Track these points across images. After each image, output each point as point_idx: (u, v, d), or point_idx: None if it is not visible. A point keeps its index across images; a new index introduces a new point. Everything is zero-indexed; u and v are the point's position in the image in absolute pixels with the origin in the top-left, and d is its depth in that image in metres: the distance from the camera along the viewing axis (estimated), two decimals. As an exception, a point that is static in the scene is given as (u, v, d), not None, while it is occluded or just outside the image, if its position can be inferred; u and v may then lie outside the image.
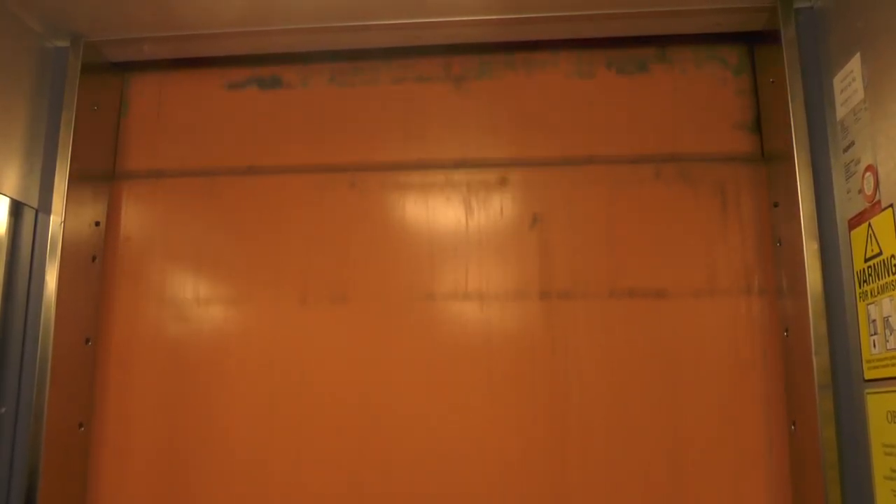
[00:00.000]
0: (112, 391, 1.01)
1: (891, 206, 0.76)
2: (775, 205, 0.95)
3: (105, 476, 0.99)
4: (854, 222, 0.84)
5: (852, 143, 0.85)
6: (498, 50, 1.05)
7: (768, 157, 0.97)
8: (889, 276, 0.77)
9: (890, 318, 0.77)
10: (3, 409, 0.94)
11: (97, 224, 1.03)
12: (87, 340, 1.00)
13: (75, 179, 0.98)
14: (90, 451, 0.99)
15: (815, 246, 0.86)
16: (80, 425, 0.98)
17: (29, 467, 0.91)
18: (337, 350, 0.99)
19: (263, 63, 1.08)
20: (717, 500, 0.91)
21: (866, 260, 0.81)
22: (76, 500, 0.97)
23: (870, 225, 0.80)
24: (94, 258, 1.02)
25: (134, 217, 1.06)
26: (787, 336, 0.91)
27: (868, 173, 0.81)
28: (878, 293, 0.79)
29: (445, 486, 0.95)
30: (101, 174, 1.05)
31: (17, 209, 0.98)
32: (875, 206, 0.79)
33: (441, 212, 1.02)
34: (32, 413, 0.92)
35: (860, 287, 0.83)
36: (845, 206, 0.86)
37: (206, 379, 1.00)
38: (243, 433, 0.98)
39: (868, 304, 0.81)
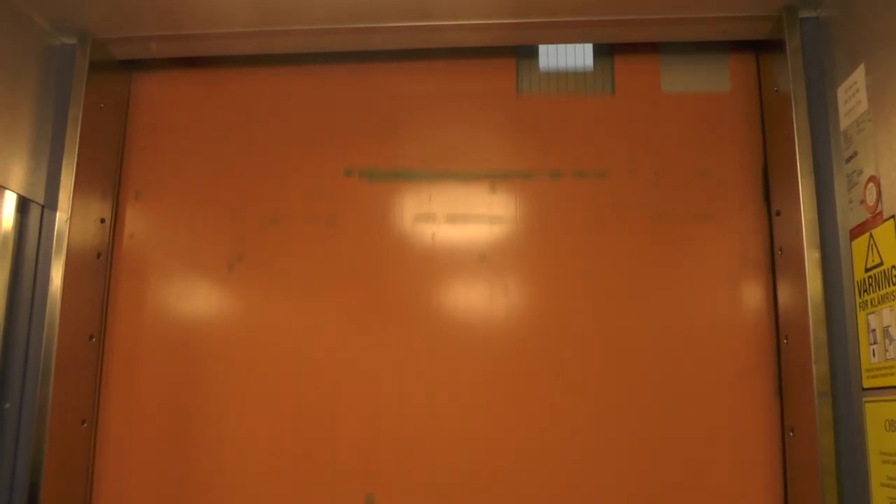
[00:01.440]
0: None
1: (892, 217, 0.77)
2: (777, 213, 0.95)
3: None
4: (855, 232, 0.85)
5: (855, 154, 0.85)
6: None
7: (771, 164, 0.98)
8: (889, 286, 0.77)
9: (889, 328, 0.77)
10: (8, 405, 0.95)
11: (102, 221, 1.04)
12: (91, 337, 1.01)
13: (81, 176, 0.99)
14: (93, 447, 1.00)
15: (816, 255, 0.86)
16: (83, 422, 0.99)
17: (32, 463, 0.91)
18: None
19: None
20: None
21: (867, 270, 0.82)
22: (79, 496, 0.97)
23: (871, 235, 0.81)
24: (98, 255, 1.03)
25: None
26: (787, 343, 0.92)
27: (870, 184, 0.82)
28: (879, 303, 0.80)
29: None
30: (107, 171, 1.05)
31: (23, 205, 0.98)
32: (877, 217, 0.80)
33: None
34: (36, 409, 0.92)
35: (860, 297, 0.84)
36: (847, 215, 0.87)
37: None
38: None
39: (868, 314, 0.82)
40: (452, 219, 1.03)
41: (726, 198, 1.00)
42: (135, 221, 1.06)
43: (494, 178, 1.03)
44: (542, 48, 1.07)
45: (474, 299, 1.00)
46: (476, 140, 1.05)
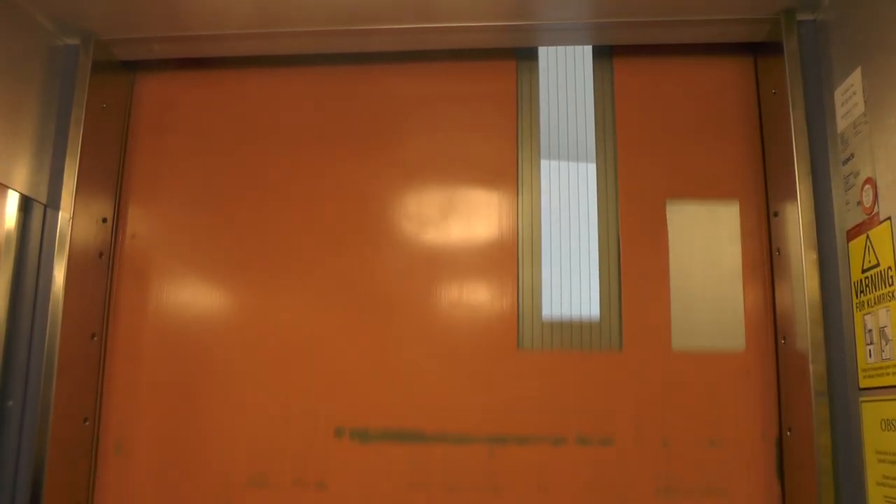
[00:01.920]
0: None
1: (889, 218, 0.78)
2: (775, 214, 0.96)
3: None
4: (852, 233, 0.86)
5: (852, 156, 0.86)
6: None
7: (769, 166, 0.99)
8: (885, 287, 0.78)
9: (886, 329, 0.78)
10: (11, 403, 0.95)
11: (104, 221, 1.04)
12: (93, 336, 1.01)
13: (84, 176, 0.99)
14: (95, 445, 1.00)
15: (813, 256, 0.87)
16: (85, 420, 0.99)
17: (35, 460, 0.92)
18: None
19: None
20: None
21: (863, 271, 0.83)
22: (81, 494, 0.98)
23: (868, 237, 0.82)
24: (100, 254, 1.03)
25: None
26: (784, 343, 0.93)
27: (867, 186, 0.82)
28: (875, 304, 0.80)
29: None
30: (109, 171, 1.06)
31: (26, 205, 0.99)
32: (873, 219, 0.81)
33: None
34: (39, 407, 0.93)
35: (857, 297, 0.84)
36: (844, 217, 0.88)
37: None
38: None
39: (864, 315, 0.83)
40: (451, 488, 0.95)
41: (738, 470, 0.93)
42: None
43: (492, 442, 0.96)
44: (544, 274, 1.01)
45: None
46: (473, 399, 0.98)
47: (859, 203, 0.84)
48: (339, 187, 1.05)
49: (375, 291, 1.02)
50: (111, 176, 1.06)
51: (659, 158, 1.02)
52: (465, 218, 1.03)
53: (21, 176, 0.97)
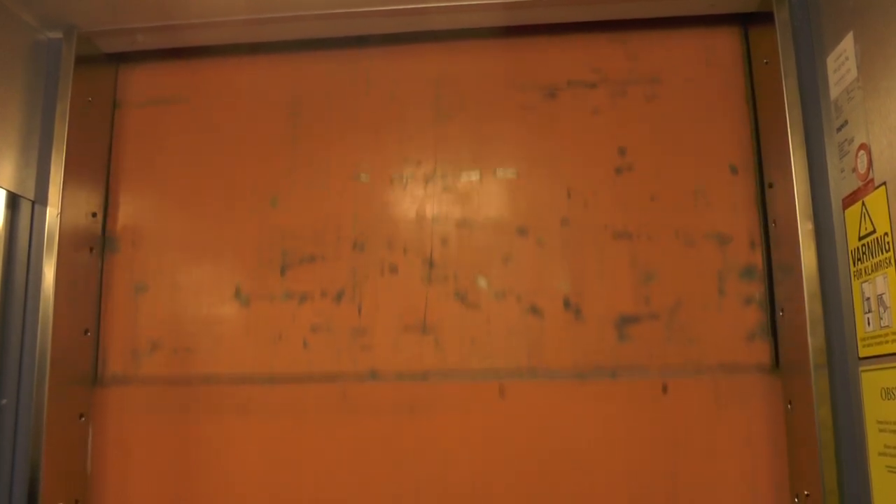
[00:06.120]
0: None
1: (884, 184, 0.77)
2: (770, 185, 0.95)
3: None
4: (848, 201, 0.84)
5: (846, 123, 0.85)
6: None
7: (763, 137, 0.97)
8: (882, 253, 0.77)
9: (883, 296, 0.77)
10: (5, 401, 0.95)
11: (94, 215, 1.04)
12: (86, 331, 1.01)
13: (71, 171, 0.98)
14: (91, 442, 1.00)
15: (809, 226, 0.86)
16: (81, 416, 0.99)
17: (31, 459, 0.91)
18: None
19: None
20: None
21: (860, 238, 0.82)
22: (78, 491, 0.97)
23: (863, 203, 0.81)
24: (91, 249, 1.03)
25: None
26: (782, 316, 0.92)
27: (861, 152, 0.81)
28: (872, 271, 0.79)
29: None
30: (97, 165, 1.05)
31: (13, 201, 0.98)
32: (868, 185, 0.80)
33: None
34: (33, 404, 0.92)
35: (854, 265, 0.83)
36: (839, 185, 0.86)
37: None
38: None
39: (862, 283, 0.81)
40: None
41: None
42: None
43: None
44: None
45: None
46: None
47: (854, 170, 0.83)
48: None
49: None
50: (99, 170, 1.06)
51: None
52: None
53: (7, 172, 0.96)
